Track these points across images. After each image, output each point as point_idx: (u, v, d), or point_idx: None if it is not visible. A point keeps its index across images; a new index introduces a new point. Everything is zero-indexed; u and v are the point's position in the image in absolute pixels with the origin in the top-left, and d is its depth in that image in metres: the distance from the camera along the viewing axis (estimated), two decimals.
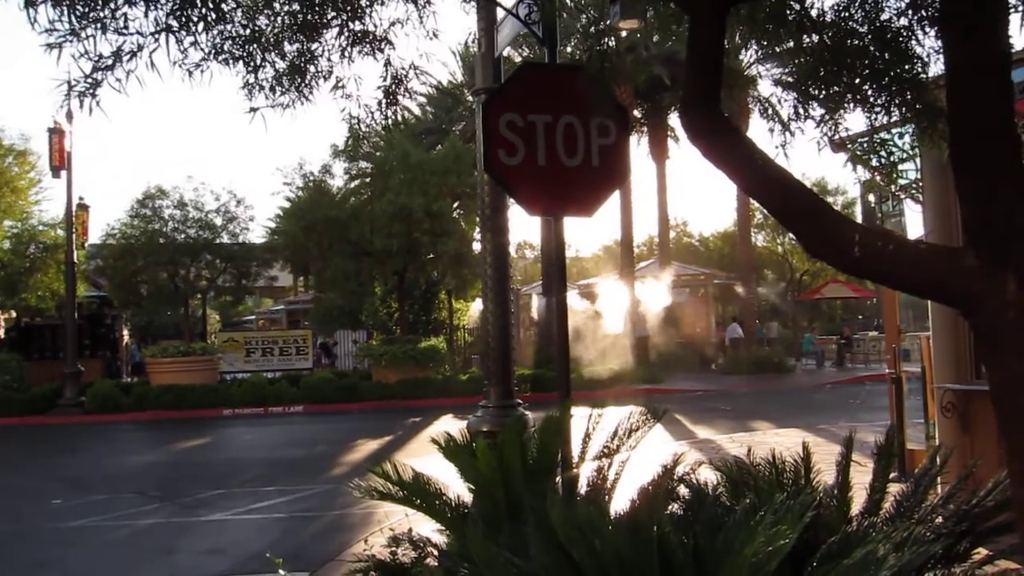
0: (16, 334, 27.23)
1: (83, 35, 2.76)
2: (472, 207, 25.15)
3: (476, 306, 28.37)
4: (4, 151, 22.06)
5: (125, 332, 33.66)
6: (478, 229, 25.94)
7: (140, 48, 2.92)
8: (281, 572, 4.61)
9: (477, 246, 25.30)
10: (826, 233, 2.59)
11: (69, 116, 21.74)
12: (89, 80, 2.91)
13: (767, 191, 2.69)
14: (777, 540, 2.14)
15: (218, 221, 25.41)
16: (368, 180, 25.16)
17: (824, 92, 3.54)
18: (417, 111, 31.38)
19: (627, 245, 28.63)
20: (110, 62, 2.89)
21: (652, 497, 2.68)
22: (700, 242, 52.16)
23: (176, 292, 25.97)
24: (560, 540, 2.56)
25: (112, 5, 2.75)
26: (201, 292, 27.55)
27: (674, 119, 30.57)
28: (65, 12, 2.59)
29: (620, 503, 3.25)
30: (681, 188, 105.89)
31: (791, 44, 3.80)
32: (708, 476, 3.74)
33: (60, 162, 21.83)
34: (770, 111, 27.54)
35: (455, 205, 24.82)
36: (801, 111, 3.60)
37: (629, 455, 3.61)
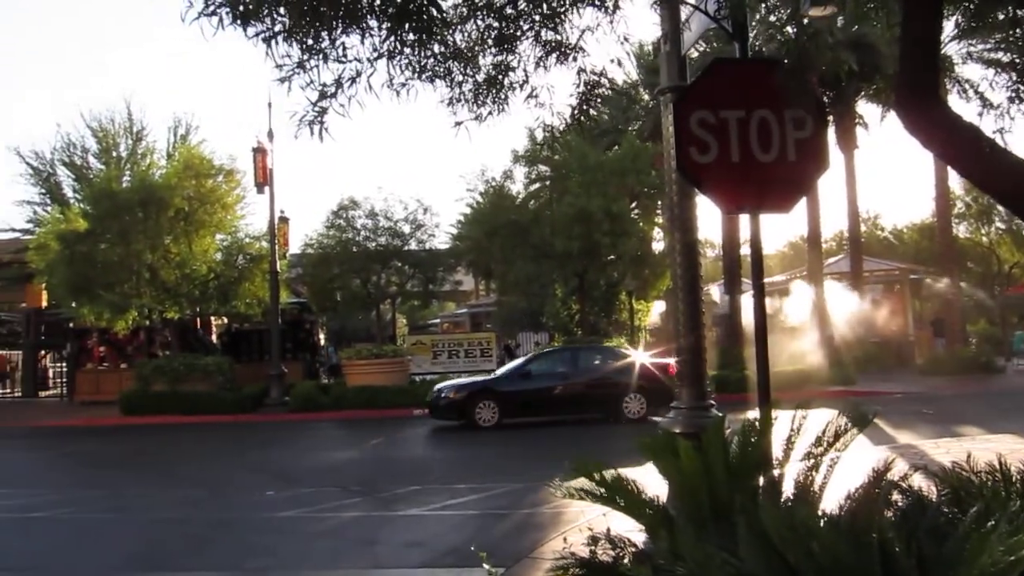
0: (228, 339, 29.52)
1: (308, 66, 2.98)
2: (651, 207, 24.91)
3: (657, 307, 28.08)
4: (215, 171, 23.90)
5: (322, 336, 35.64)
6: (657, 228, 25.71)
7: (359, 74, 3.12)
8: (485, 566, 4.76)
9: (656, 246, 25.04)
10: None
11: (271, 136, 23.45)
12: (317, 108, 3.14)
13: (998, 179, 2.52)
14: (1019, 550, 2.01)
15: (406, 229, 26.46)
16: (547, 183, 25.47)
17: None
18: (593, 112, 31.33)
19: (815, 240, 27.52)
20: (333, 90, 3.10)
21: (870, 501, 2.58)
22: (894, 235, 49.39)
23: (368, 297, 27.25)
24: (773, 541, 2.51)
25: (332, 36, 2.96)
26: (391, 297, 28.74)
27: (862, 106, 29.06)
28: (294, 45, 2.81)
29: (830, 506, 3.15)
30: (871, 179, 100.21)
31: (1003, 19, 3.54)
32: (920, 482, 3.57)
33: (263, 179, 23.50)
34: (970, 92, 25.67)
35: (633, 205, 24.65)
36: (1022, 93, 3.34)
37: (837, 457, 3.50)
